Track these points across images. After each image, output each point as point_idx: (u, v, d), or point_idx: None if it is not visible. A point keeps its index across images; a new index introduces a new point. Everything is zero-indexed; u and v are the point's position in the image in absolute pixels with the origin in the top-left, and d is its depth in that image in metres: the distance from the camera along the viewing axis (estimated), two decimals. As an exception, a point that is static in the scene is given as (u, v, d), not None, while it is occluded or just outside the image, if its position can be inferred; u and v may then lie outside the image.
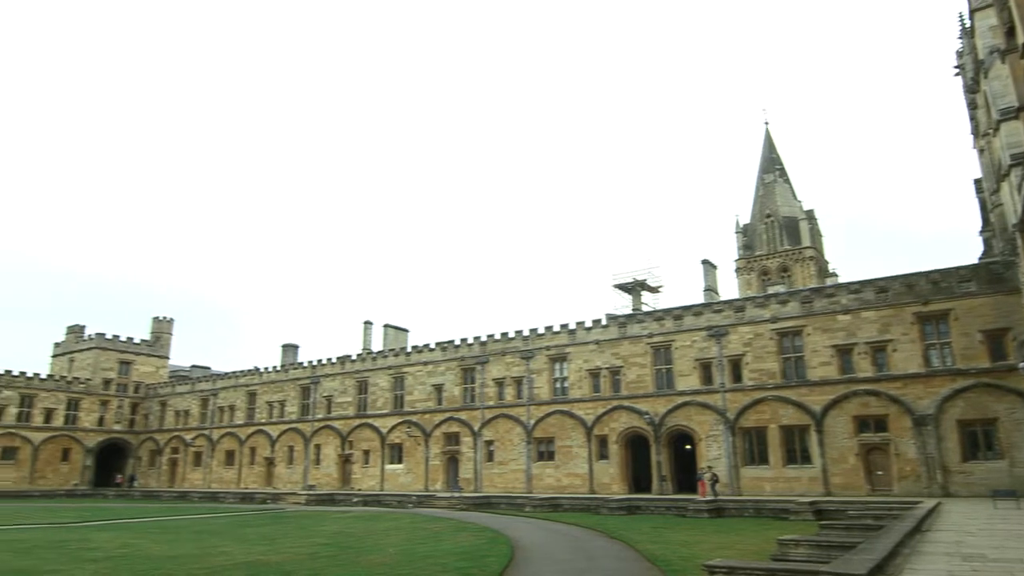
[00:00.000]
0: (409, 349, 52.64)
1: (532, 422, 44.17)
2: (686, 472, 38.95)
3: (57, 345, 73.31)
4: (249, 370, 62.77)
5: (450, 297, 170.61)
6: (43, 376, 65.07)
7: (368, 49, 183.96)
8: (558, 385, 44.30)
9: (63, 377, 66.65)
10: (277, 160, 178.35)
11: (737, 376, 37.72)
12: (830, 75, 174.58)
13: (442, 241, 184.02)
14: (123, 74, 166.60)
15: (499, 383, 46.51)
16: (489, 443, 45.96)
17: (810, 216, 70.52)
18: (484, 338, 48.12)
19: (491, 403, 46.43)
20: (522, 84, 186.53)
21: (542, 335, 45.59)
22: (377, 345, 58.77)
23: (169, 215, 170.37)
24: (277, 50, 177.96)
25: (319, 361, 57.47)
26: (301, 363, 59.26)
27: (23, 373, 62.86)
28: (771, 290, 49.62)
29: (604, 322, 43.18)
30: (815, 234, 69.96)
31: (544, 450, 43.74)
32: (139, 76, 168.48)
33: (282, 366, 61.06)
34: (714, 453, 37.26)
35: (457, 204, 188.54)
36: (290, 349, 64.69)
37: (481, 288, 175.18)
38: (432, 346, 50.73)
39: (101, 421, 67.02)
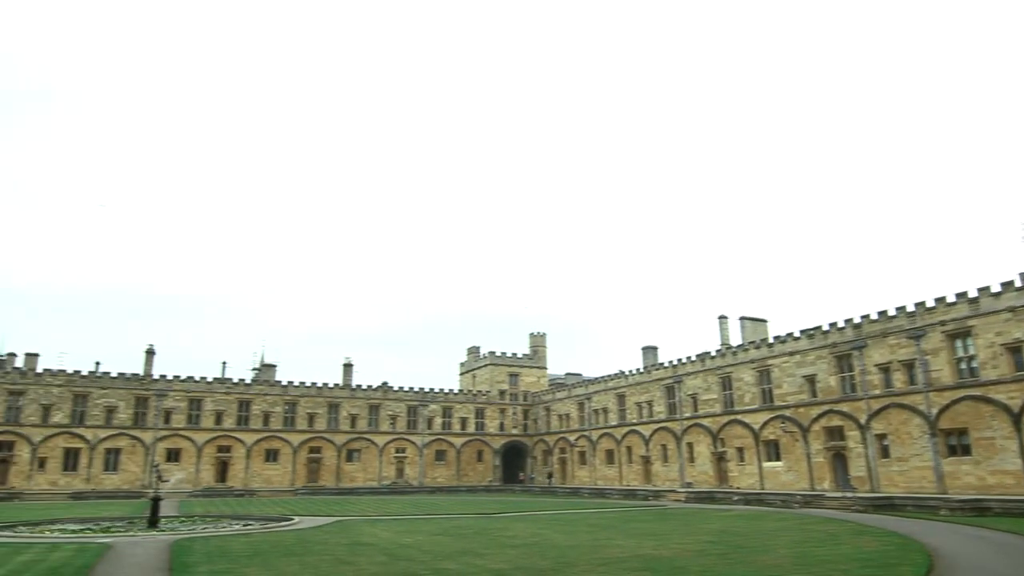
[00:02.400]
0: (771, 340, 49.89)
1: (934, 411, 37.89)
2: None
3: (462, 364, 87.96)
4: (615, 374, 66.50)
5: (805, 282, 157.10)
6: (455, 391, 78.58)
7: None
8: (963, 366, 37.28)
9: (469, 391, 79.64)
10: (582, 168, 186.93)
11: None
12: None
13: (789, 224, 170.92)
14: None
15: (883, 369, 41.02)
16: (881, 437, 40.76)
17: None
18: (858, 320, 43.06)
19: (876, 392, 41.19)
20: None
21: (932, 309, 38.92)
22: (735, 339, 57.04)
23: (532, 245, 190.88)
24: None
25: (679, 360, 58.08)
26: (662, 363, 60.64)
27: (442, 389, 76.69)
28: None
29: (1020, 283, 35.02)
30: None
31: (955, 443, 37.09)
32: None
33: (644, 368, 63.30)
34: None
35: (793, 185, 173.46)
36: (649, 351, 66.73)
37: (839, 268, 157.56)
38: (797, 334, 47.24)
39: (501, 427, 77.89)
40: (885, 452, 40.43)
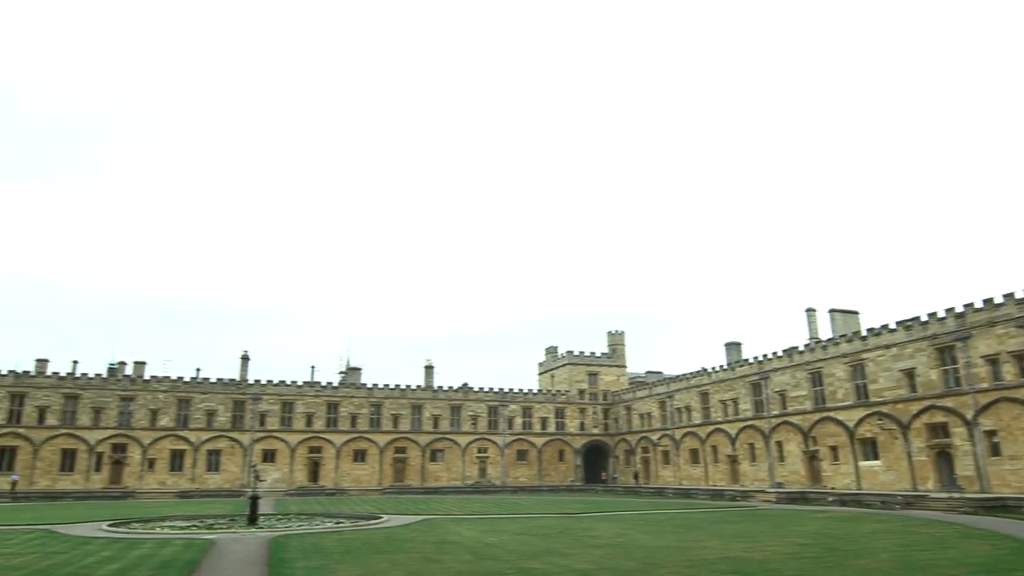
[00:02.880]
0: (864, 333, 47.48)
1: (1051, 406, 35.05)
2: None
3: (540, 364, 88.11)
4: (697, 371, 64.97)
5: (897, 271, 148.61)
6: (534, 391, 78.83)
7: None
8: (1083, 356, 34.32)
9: (548, 391, 79.70)
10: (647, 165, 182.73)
11: None
12: None
13: (879, 212, 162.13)
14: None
15: (991, 361, 38.29)
16: (990, 434, 38.05)
17: None
18: (960, 309, 40.40)
19: (984, 385, 38.50)
20: None
21: (1045, 296, 36.05)
22: (824, 333, 54.59)
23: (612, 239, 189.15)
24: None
25: (765, 356, 56.16)
26: (747, 360, 58.80)
27: (521, 390, 77.10)
28: None
29: None
30: None
31: (1077, 440, 34.21)
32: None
33: (728, 364, 61.55)
34: None
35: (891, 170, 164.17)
36: (733, 347, 64.82)
37: (931, 257, 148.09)
38: (893, 326, 44.73)
39: (582, 426, 77.50)
40: (995, 450, 37.70)
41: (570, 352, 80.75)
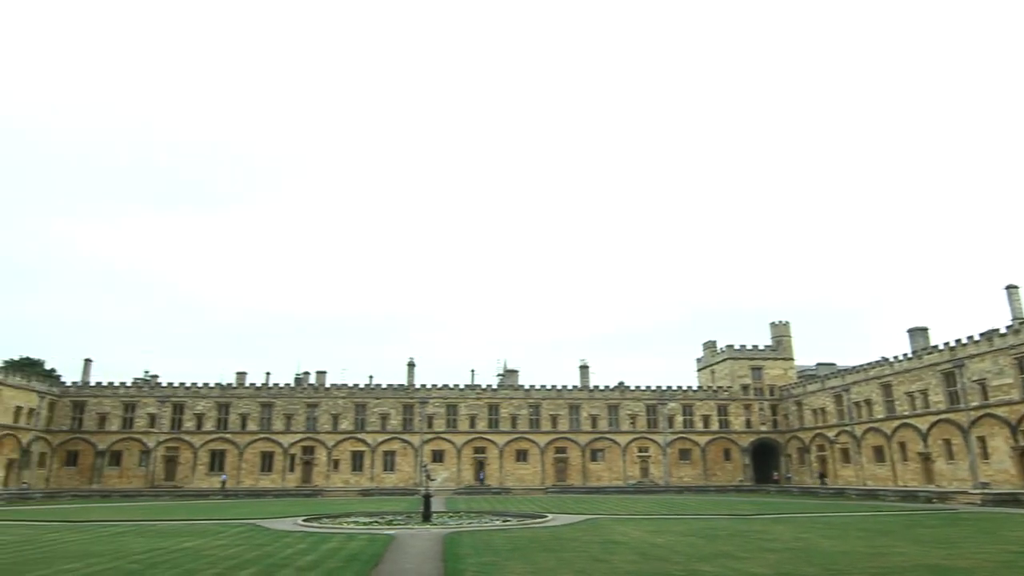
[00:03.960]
0: (1084, 310, 41.05)
1: None
2: None
3: (698, 360, 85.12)
4: (877, 361, 59.54)
5: None
6: (695, 388, 76.32)
7: None
8: None
9: (709, 387, 76.81)
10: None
11: None
12: None
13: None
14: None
15: None
16: None
17: None
18: None
19: None
20: None
21: None
22: (1032, 312, 47.85)
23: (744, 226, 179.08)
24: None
25: (958, 341, 50.28)
26: (935, 346, 53.00)
27: (680, 387, 74.98)
28: None
29: None
30: None
31: None
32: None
33: (914, 352, 55.83)
34: None
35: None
36: (918, 333, 58.72)
37: None
38: (1121, 301, 38.27)
39: (748, 424, 73.85)
40: None
41: (730, 346, 77.20)
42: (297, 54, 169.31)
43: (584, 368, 76.53)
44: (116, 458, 66.91)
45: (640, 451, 72.08)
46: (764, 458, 73.95)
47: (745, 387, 75.06)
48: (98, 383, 69.65)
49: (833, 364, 78.88)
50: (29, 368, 73.03)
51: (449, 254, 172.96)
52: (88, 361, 71.20)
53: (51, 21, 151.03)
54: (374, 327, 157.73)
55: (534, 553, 18.66)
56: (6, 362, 71.93)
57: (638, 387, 74.39)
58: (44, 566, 16.17)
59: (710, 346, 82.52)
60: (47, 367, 79.60)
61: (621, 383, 75.11)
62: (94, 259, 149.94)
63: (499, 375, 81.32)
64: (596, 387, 74.50)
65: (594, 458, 71.69)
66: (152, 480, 66.29)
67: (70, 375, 73.63)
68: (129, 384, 70.17)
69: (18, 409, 60.61)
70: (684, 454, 72.63)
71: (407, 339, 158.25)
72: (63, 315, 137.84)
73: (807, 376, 75.10)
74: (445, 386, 72.42)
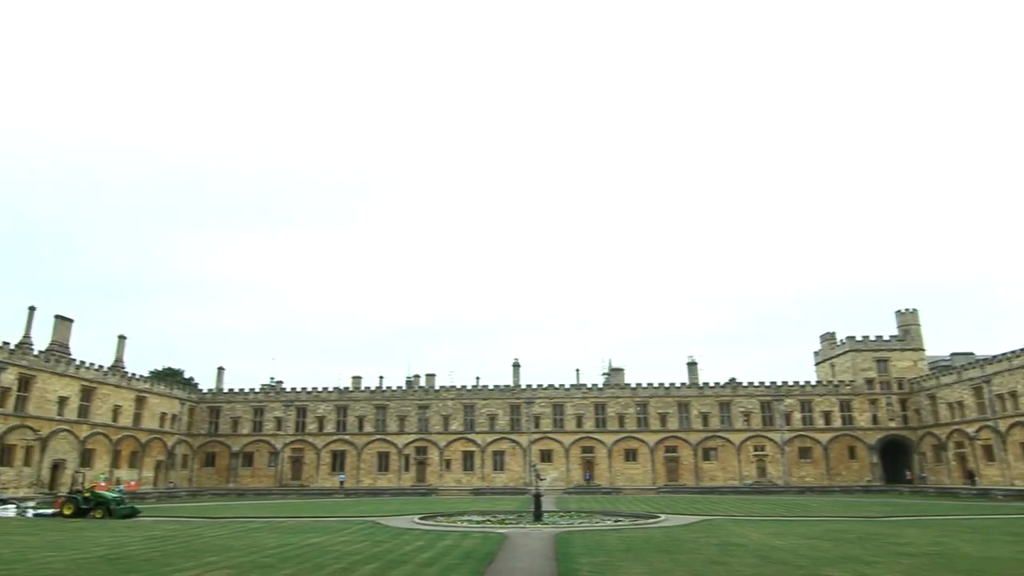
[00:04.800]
0: None
1: None
2: None
3: (816, 354, 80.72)
4: (1023, 349, 54.19)
5: None
6: (813, 383, 72.45)
7: None
8: None
9: (829, 381, 72.67)
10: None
11: None
12: None
13: None
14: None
15: None
16: None
17: None
18: None
19: None
20: None
21: None
22: None
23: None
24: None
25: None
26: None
27: (796, 382, 71.41)
28: None
29: None
30: None
31: None
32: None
33: (1066, 339, 50.31)
34: None
35: None
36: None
37: None
38: None
39: (874, 419, 69.29)
40: None
41: (851, 337, 72.64)
42: (406, 68, 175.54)
43: (692, 365, 74.51)
44: (248, 459, 71.91)
45: (756, 449, 69.27)
46: (894, 456, 69.10)
47: (869, 381, 70.45)
48: (230, 389, 75.18)
49: (971, 354, 72.42)
50: (171, 377, 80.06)
51: (547, 255, 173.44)
52: (221, 369, 77.03)
53: (179, 64, 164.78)
54: (477, 330, 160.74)
55: (648, 554, 18.36)
56: (151, 372, 79.07)
57: (751, 383, 71.58)
58: (191, 558, 17.65)
59: (828, 338, 78.08)
60: (186, 376, 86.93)
61: (732, 379, 72.57)
62: (222, 276, 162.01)
63: (604, 374, 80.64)
64: (706, 384, 72.35)
65: (706, 457, 69.62)
66: (280, 479, 70.72)
67: (206, 382, 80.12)
68: (257, 390, 75.24)
69: (163, 415, 66.52)
70: (804, 452, 69.11)
71: (509, 340, 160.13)
72: (198, 327, 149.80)
73: (940, 367, 69.45)
74: (551, 386, 72.66)
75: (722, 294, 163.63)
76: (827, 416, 69.77)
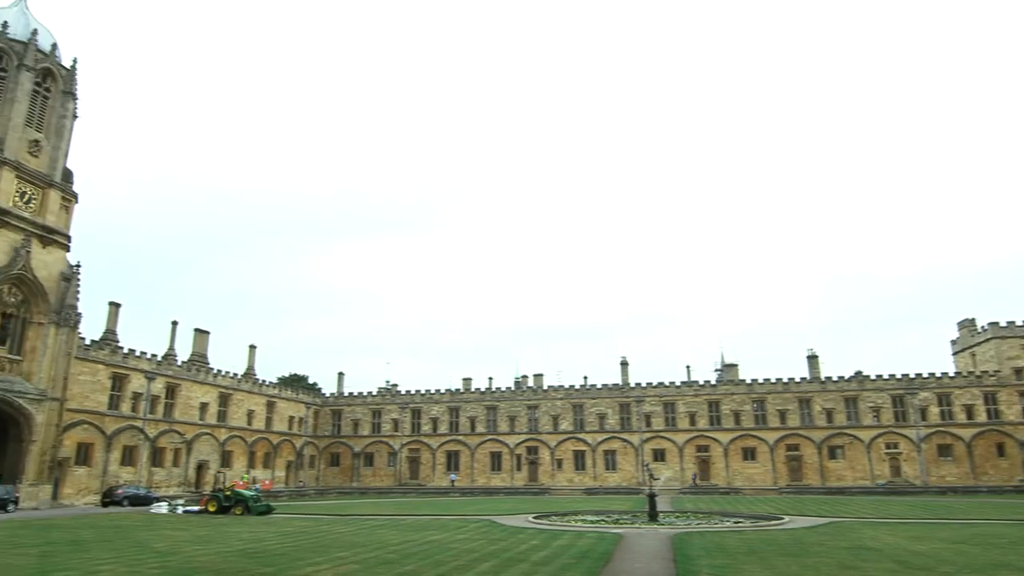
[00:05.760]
0: None
1: None
2: None
3: (953, 342, 74.35)
4: None
5: None
6: (951, 374, 66.81)
7: None
8: None
9: (970, 372, 66.73)
10: None
11: None
12: None
13: None
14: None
15: None
16: None
17: None
18: None
19: None
20: None
21: None
22: None
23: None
24: None
25: None
26: None
27: (932, 374, 66.09)
28: None
29: None
30: None
31: None
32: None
33: None
34: None
35: None
36: None
37: None
38: None
39: (1025, 413, 62.91)
40: None
41: (994, 324, 66.31)
42: (506, 80, 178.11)
43: (813, 358, 70.69)
44: (369, 459, 75.28)
45: (888, 447, 64.68)
46: (1052, 453, 62.45)
47: (1018, 371, 64.00)
48: (350, 393, 79.02)
49: None
50: (296, 383, 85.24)
51: (653, 251, 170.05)
52: (341, 374, 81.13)
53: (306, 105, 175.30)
54: (583, 330, 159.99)
55: (772, 557, 17.59)
56: (279, 379, 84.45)
57: (879, 376, 66.94)
58: (321, 553, 18.71)
59: (968, 324, 71.69)
60: (310, 381, 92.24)
61: (858, 372, 68.20)
62: (340, 285, 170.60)
63: (716, 370, 78.10)
64: (828, 378, 68.36)
65: (832, 456, 65.76)
66: (399, 478, 73.51)
67: (327, 386, 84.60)
68: (375, 393, 78.62)
69: (291, 418, 70.97)
70: (944, 450, 63.80)
71: (615, 339, 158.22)
72: (319, 334, 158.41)
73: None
74: (660, 384, 71.17)
75: (839, 281, 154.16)
76: (969, 410, 64.07)
